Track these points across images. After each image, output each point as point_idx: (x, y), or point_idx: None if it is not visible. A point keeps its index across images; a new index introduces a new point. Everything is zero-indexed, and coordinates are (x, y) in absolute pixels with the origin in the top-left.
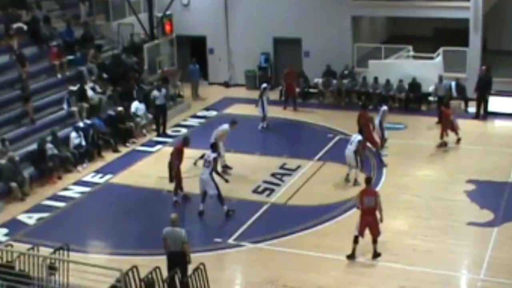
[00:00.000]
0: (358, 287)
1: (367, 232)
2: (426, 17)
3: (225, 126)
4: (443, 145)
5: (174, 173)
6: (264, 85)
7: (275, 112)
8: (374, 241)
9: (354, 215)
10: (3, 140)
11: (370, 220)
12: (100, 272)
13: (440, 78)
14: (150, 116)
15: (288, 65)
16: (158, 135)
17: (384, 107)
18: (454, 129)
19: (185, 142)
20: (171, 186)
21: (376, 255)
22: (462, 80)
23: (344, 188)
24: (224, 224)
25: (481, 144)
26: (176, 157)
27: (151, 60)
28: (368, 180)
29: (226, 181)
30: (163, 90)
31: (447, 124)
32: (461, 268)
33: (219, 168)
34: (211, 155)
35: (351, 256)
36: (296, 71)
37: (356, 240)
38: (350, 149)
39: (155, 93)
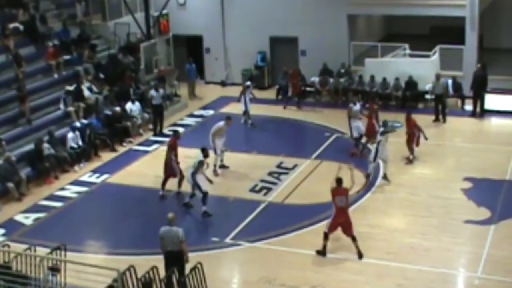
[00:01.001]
0: (355, 286)
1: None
2: (422, 15)
3: (221, 123)
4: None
5: (169, 169)
6: (248, 83)
7: (273, 111)
8: (354, 239)
9: (351, 213)
10: (0, 140)
11: (342, 221)
12: (97, 272)
13: (438, 76)
14: (146, 115)
15: (294, 66)
16: (155, 135)
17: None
18: (413, 144)
19: (176, 135)
20: (172, 186)
21: (360, 254)
22: (458, 78)
23: None
24: (221, 223)
25: (478, 142)
26: (172, 152)
27: (148, 59)
28: (338, 181)
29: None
30: (161, 90)
31: (413, 135)
32: (458, 266)
33: (216, 166)
34: (199, 157)
35: (322, 252)
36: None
37: (326, 237)
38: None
39: (152, 93)
